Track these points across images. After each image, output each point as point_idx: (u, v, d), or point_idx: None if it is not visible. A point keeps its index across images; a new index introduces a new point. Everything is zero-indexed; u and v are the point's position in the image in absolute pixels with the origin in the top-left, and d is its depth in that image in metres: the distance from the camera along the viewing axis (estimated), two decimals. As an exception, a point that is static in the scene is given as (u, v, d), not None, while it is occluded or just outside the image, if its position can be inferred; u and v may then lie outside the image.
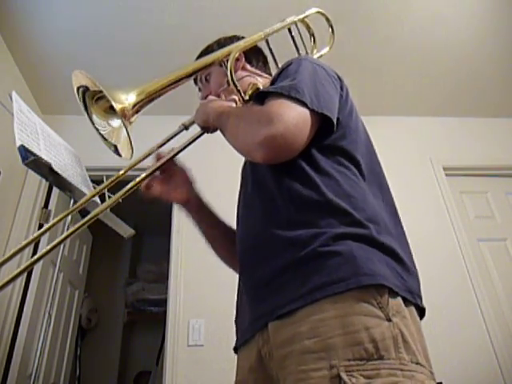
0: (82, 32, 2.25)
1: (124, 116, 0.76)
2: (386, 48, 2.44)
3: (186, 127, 0.91)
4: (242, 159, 0.95)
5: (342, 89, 0.82)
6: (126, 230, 1.79)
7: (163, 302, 2.81)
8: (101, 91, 0.80)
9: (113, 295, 4.02)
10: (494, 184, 2.79)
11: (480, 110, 2.95)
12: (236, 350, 0.83)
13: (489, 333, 2.24)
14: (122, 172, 0.89)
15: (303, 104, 0.69)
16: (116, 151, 0.85)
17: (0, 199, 2.19)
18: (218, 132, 0.85)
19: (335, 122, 0.74)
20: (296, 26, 1.07)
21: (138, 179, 0.84)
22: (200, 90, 1.09)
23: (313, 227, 0.68)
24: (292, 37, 1.06)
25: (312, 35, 1.12)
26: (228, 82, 0.86)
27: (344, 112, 0.79)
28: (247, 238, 0.81)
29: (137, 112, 0.79)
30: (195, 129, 0.90)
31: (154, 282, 3.85)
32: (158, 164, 0.87)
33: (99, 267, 3.67)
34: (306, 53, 1.09)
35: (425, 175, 2.71)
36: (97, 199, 1.61)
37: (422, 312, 0.71)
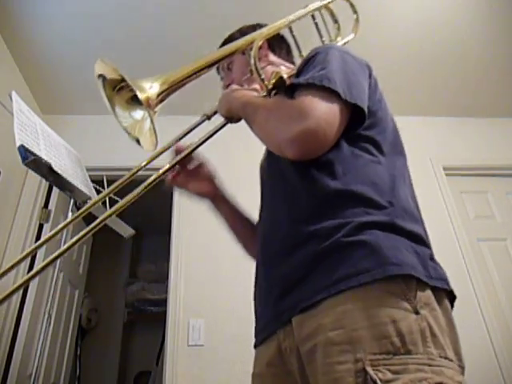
0: (82, 32, 2.25)
1: (148, 105, 0.74)
2: (386, 48, 2.44)
3: (208, 117, 0.90)
4: (262, 151, 0.94)
5: (370, 76, 0.80)
6: (126, 230, 1.79)
7: (163, 302, 2.81)
8: (122, 80, 0.78)
9: (113, 295, 4.03)
10: (494, 184, 2.79)
11: (480, 110, 2.95)
12: (255, 346, 0.81)
13: (489, 333, 2.24)
14: (141, 165, 0.87)
15: (335, 95, 0.68)
16: (139, 144, 0.82)
17: (0, 199, 2.19)
18: (238, 124, 0.84)
19: (366, 114, 0.72)
20: (320, 12, 1.04)
21: (160, 171, 0.82)
22: (222, 79, 1.08)
23: (336, 218, 0.67)
24: (315, 23, 1.03)
25: (336, 22, 1.08)
26: (251, 70, 0.85)
27: (373, 100, 0.77)
28: (269, 232, 0.80)
29: (161, 101, 0.77)
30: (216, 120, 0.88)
31: (154, 281, 3.85)
32: (180, 156, 0.86)
33: (99, 267, 3.67)
34: (330, 40, 1.06)
35: (425, 175, 2.71)
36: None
37: (452, 299, 0.68)
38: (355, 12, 1.12)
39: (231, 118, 0.86)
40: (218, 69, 1.08)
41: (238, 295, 2.24)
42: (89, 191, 1.56)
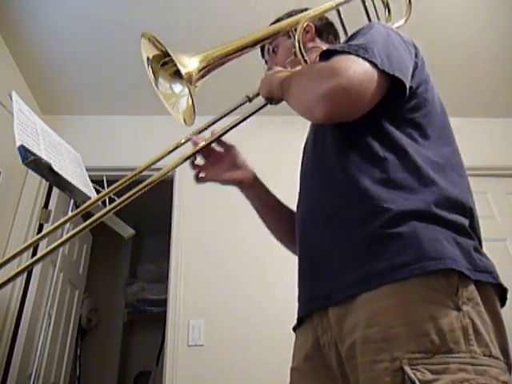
0: (82, 32, 2.25)
1: (189, 81, 0.74)
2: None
3: (249, 99, 0.89)
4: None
5: (416, 56, 0.76)
6: (126, 230, 1.79)
7: (163, 302, 2.81)
8: (166, 55, 0.78)
9: (113, 295, 4.02)
10: (494, 184, 2.79)
11: (480, 111, 2.95)
12: (294, 329, 0.80)
13: (489, 333, 2.24)
14: (147, 164, 0.88)
15: (372, 63, 0.64)
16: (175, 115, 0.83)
17: (0, 199, 2.19)
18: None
19: (408, 87, 0.68)
20: None
21: (170, 165, 0.82)
22: (266, 62, 1.06)
23: (374, 205, 0.64)
24: (365, 7, 1.00)
25: (387, 5, 1.04)
26: (295, 53, 0.83)
27: (419, 81, 0.73)
28: (307, 215, 0.78)
29: (202, 77, 0.77)
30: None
31: (154, 281, 3.85)
32: (199, 147, 0.86)
33: (99, 267, 3.67)
34: None
35: (425, 175, 2.70)
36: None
37: (503, 294, 0.64)
38: None
39: (272, 99, 0.85)
40: (262, 52, 1.06)
41: (238, 295, 2.24)
42: (89, 191, 1.56)
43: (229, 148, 0.96)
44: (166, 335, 2.19)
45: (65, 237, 0.73)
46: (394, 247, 0.60)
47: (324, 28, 1.03)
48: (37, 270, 2.24)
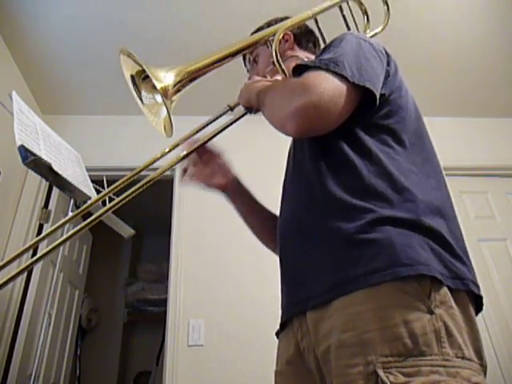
0: (81, 32, 2.25)
1: (165, 95, 0.75)
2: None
3: (231, 108, 0.91)
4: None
5: (388, 64, 0.78)
6: (126, 230, 1.80)
7: (163, 302, 2.81)
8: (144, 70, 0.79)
9: (113, 295, 4.02)
10: (494, 184, 2.79)
11: (480, 110, 2.95)
12: (277, 334, 0.82)
13: (489, 333, 2.24)
14: (146, 164, 0.89)
15: (342, 78, 0.66)
16: (157, 126, 0.84)
17: (0, 199, 2.19)
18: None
19: (378, 96, 0.69)
20: (347, 3, 1.02)
21: (161, 169, 0.83)
22: (248, 71, 1.08)
23: (349, 213, 0.65)
24: (343, 15, 1.01)
25: (365, 12, 1.05)
26: (273, 62, 0.85)
27: (391, 88, 0.75)
28: (285, 223, 0.80)
29: (178, 91, 0.78)
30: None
31: (154, 282, 3.85)
32: (190, 150, 0.87)
33: (99, 267, 3.67)
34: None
35: (425, 175, 2.70)
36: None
37: (479, 302, 0.65)
38: (385, 2, 1.08)
39: (250, 108, 0.87)
40: (244, 62, 1.09)
41: (238, 295, 2.24)
42: (89, 191, 1.56)
43: (215, 154, 0.97)
44: (165, 335, 2.19)
45: (65, 236, 0.73)
46: (368, 253, 0.61)
47: (303, 36, 1.04)
48: (37, 269, 2.24)
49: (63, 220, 0.81)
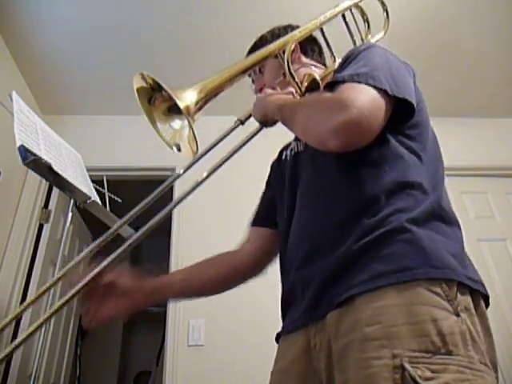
0: (82, 32, 2.25)
1: (188, 114, 0.75)
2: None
3: (241, 122, 0.89)
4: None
5: (414, 75, 0.80)
6: (126, 230, 1.79)
7: (163, 302, 2.80)
8: (155, 90, 0.79)
9: (113, 295, 4.02)
10: (494, 184, 2.79)
11: (480, 110, 2.95)
12: (278, 337, 0.81)
13: (489, 333, 2.24)
14: (181, 171, 0.89)
15: (381, 90, 0.67)
16: (179, 151, 0.83)
17: (0, 199, 2.19)
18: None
19: (416, 108, 0.72)
20: (350, 11, 1.03)
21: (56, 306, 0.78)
22: (253, 82, 1.07)
23: (378, 214, 0.66)
24: (346, 23, 1.02)
25: (366, 20, 1.07)
26: (284, 73, 0.85)
27: (419, 99, 0.77)
28: (305, 228, 0.78)
29: (199, 109, 0.78)
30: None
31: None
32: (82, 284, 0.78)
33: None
34: (361, 40, 1.06)
35: (425, 175, 2.70)
36: (97, 199, 1.61)
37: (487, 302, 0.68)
38: (385, 10, 1.11)
39: (266, 123, 0.86)
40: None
41: (238, 295, 2.22)
42: (89, 191, 1.56)
43: (109, 277, 0.87)
44: (165, 335, 2.19)
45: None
46: (398, 251, 0.62)
47: (308, 45, 1.04)
48: (37, 269, 2.24)
49: (83, 253, 0.81)
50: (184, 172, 0.89)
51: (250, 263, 1.02)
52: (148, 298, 0.90)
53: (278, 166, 1.01)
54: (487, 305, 0.67)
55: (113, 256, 0.80)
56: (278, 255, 0.92)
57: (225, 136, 0.89)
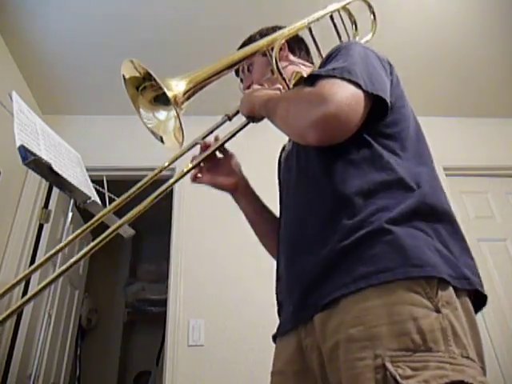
0: (82, 32, 2.25)
1: (176, 103, 0.76)
2: (384, 47, 2.44)
3: (229, 118, 0.91)
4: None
5: (391, 74, 0.81)
6: (126, 230, 1.79)
7: (163, 302, 2.80)
8: (145, 79, 0.80)
9: (113, 295, 4.02)
10: (494, 184, 2.79)
11: (480, 110, 2.95)
12: (274, 338, 0.83)
13: (489, 333, 2.24)
14: (166, 164, 0.90)
15: (356, 85, 0.67)
16: (162, 142, 0.84)
17: (0, 199, 2.19)
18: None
19: (389, 106, 0.72)
20: (338, 13, 1.05)
21: (185, 169, 0.86)
22: (242, 80, 1.08)
23: (360, 214, 0.66)
24: (334, 24, 1.04)
25: (354, 22, 1.10)
26: (272, 71, 0.86)
27: (395, 97, 0.77)
28: (290, 229, 0.80)
29: (187, 99, 0.79)
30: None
31: (154, 282, 3.85)
32: (204, 155, 0.89)
33: (99, 267, 3.67)
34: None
35: (425, 175, 2.70)
36: (97, 199, 1.61)
37: (483, 300, 0.68)
38: (373, 12, 1.14)
39: (253, 118, 0.87)
40: (236, 71, 1.08)
41: (238, 295, 2.24)
42: (89, 191, 1.56)
43: (227, 155, 0.98)
44: (166, 335, 2.19)
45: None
46: (378, 252, 0.63)
47: (296, 44, 1.05)
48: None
49: (75, 234, 0.81)
50: (168, 166, 0.91)
51: None
52: (243, 191, 0.99)
53: (278, 166, 1.03)
54: (482, 299, 0.67)
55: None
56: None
57: (212, 130, 0.91)
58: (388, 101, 0.71)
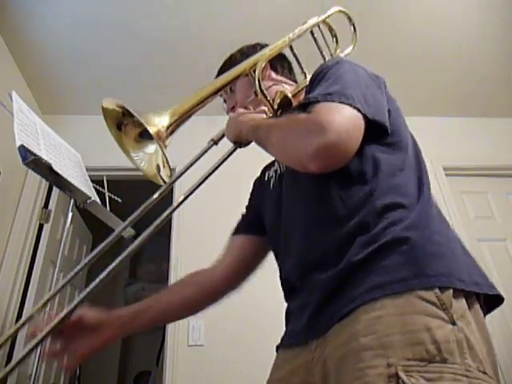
0: (82, 32, 2.25)
1: (159, 139, 0.74)
2: (385, 47, 2.44)
3: (215, 142, 0.88)
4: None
5: (385, 88, 0.80)
6: (126, 230, 1.79)
7: (163, 302, 2.80)
8: (125, 115, 0.79)
9: (113, 295, 4.02)
10: (494, 184, 2.79)
11: (480, 110, 2.95)
12: (277, 348, 0.81)
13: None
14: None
15: (354, 108, 0.67)
16: (159, 172, 0.82)
17: (0, 199, 2.19)
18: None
19: (388, 128, 0.72)
20: (318, 27, 1.04)
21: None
22: (225, 101, 1.06)
23: (373, 229, 0.66)
24: (315, 39, 1.03)
25: (334, 36, 1.09)
26: (255, 92, 0.84)
27: (392, 110, 0.77)
28: (302, 248, 0.77)
29: (171, 134, 0.77)
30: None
31: (153, 282, 3.84)
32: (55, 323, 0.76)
33: (99, 267, 3.67)
34: (331, 55, 1.06)
35: (425, 175, 2.71)
36: (97, 199, 1.61)
37: (497, 301, 0.69)
38: (352, 24, 1.14)
39: (240, 143, 0.85)
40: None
41: (238, 295, 2.23)
42: (89, 191, 1.56)
43: (76, 318, 0.86)
44: (165, 335, 2.19)
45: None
46: (391, 263, 0.63)
47: (278, 62, 1.03)
48: (37, 269, 2.24)
49: (83, 263, 0.81)
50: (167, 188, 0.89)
51: (224, 278, 1.02)
52: (119, 330, 0.88)
53: (260, 184, 1.00)
54: (493, 301, 0.69)
55: (89, 289, 0.78)
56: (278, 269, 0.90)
57: (199, 157, 0.87)
58: (387, 125, 0.72)
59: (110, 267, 0.74)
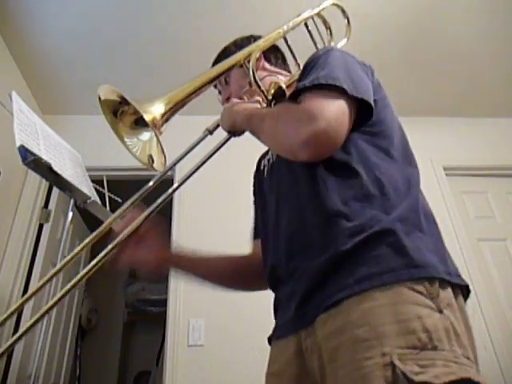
0: (82, 32, 2.25)
1: (155, 126, 0.75)
2: (385, 47, 2.44)
3: (210, 132, 0.89)
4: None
5: (372, 76, 0.81)
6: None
7: (163, 302, 2.80)
8: (122, 103, 0.78)
9: (113, 295, 4.02)
10: (494, 184, 2.79)
11: (480, 110, 2.95)
12: (270, 340, 0.83)
13: (489, 333, 2.24)
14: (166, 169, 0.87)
15: (341, 92, 0.68)
16: (153, 162, 0.82)
17: (0, 199, 2.19)
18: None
19: (374, 108, 0.73)
20: (312, 19, 1.05)
21: (103, 253, 0.80)
22: (220, 92, 1.07)
23: (359, 218, 0.68)
24: (309, 31, 1.04)
25: (328, 28, 1.10)
26: (250, 83, 0.86)
27: (378, 97, 0.78)
28: (289, 235, 0.78)
29: (166, 121, 0.78)
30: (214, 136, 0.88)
31: (154, 282, 3.85)
32: (127, 232, 0.80)
33: (99, 267, 3.67)
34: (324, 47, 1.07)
35: (425, 175, 2.66)
36: (97, 199, 1.61)
37: (466, 293, 0.70)
38: (346, 17, 1.15)
39: (234, 132, 0.86)
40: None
41: (237, 295, 2.22)
42: (89, 191, 1.56)
43: (149, 224, 0.86)
44: (166, 335, 2.19)
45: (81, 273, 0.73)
46: (380, 254, 0.64)
47: (272, 53, 1.05)
48: (37, 269, 2.24)
49: (77, 249, 0.81)
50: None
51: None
52: (175, 258, 0.95)
53: (257, 176, 1.02)
54: (467, 294, 0.70)
55: (152, 208, 0.82)
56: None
57: (194, 146, 0.89)
58: (372, 104, 0.73)
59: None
